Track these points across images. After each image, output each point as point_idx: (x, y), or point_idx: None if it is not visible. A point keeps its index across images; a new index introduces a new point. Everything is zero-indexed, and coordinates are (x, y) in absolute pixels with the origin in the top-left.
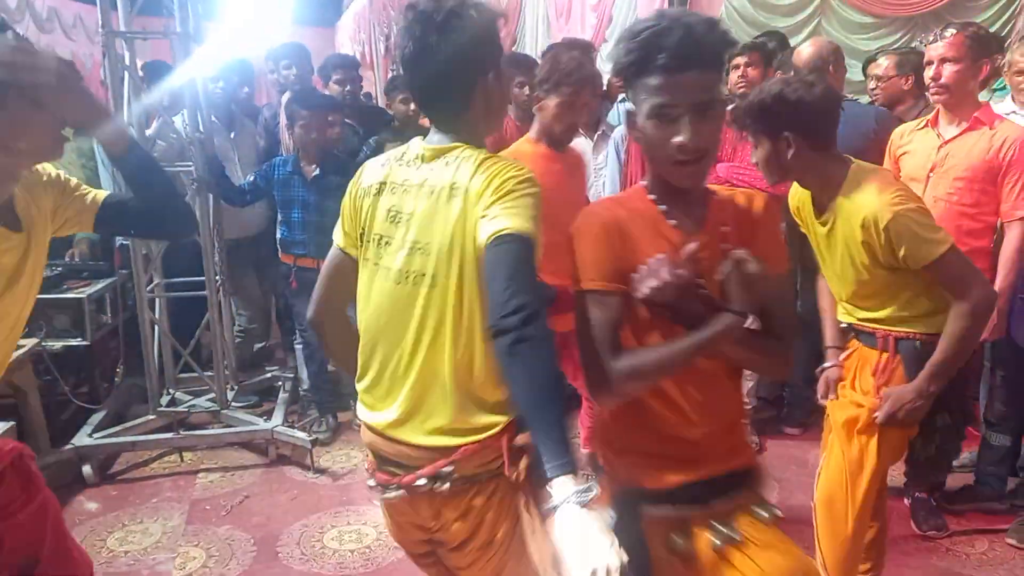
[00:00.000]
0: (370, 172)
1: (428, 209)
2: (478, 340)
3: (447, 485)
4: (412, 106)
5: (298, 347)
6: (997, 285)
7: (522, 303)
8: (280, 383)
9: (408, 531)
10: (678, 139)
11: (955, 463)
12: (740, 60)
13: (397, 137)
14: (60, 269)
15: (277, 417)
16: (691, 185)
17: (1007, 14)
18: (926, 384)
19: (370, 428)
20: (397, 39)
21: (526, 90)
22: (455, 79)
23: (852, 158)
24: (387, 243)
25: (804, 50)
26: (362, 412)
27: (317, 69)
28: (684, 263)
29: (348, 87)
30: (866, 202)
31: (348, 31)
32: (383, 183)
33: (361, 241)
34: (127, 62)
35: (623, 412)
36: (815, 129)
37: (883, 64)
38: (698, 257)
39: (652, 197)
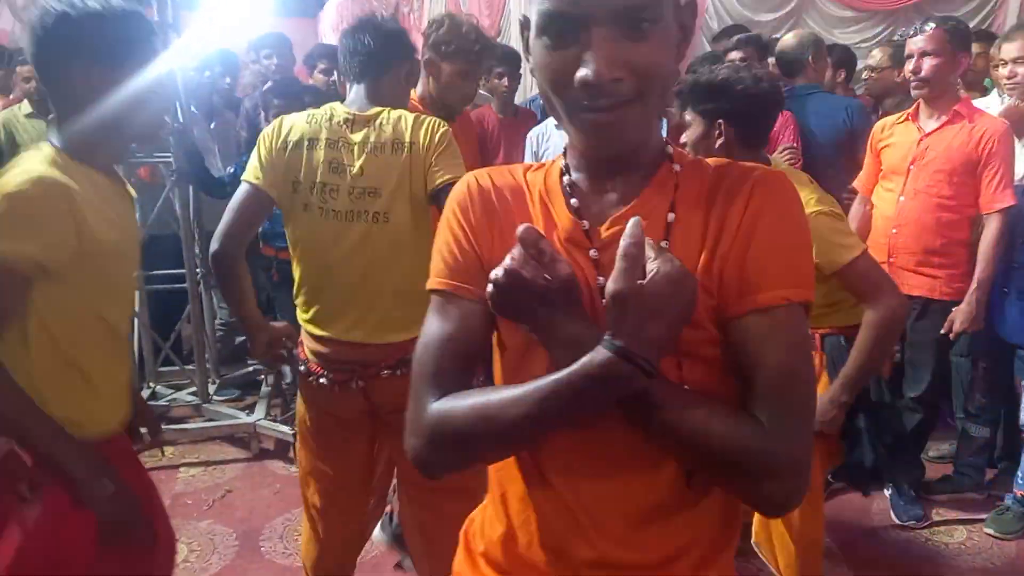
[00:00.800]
0: (295, 128)
1: (373, 159)
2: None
3: (405, 370)
4: (332, 77)
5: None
6: (976, 277)
7: None
8: (262, 376)
9: (348, 411)
10: (581, 72)
11: (934, 454)
12: (735, 55)
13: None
14: None
15: (259, 410)
16: (606, 150)
17: (988, 8)
18: (839, 395)
19: (321, 340)
20: (344, 39)
21: (505, 81)
22: (381, 58)
23: (775, 159)
24: (333, 190)
25: (787, 40)
26: (313, 331)
27: (303, 59)
28: (539, 260)
29: (333, 77)
30: None
31: (331, 21)
32: (315, 139)
33: (294, 188)
34: None
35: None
36: (749, 124)
37: (877, 56)
38: (590, 246)
39: (562, 164)
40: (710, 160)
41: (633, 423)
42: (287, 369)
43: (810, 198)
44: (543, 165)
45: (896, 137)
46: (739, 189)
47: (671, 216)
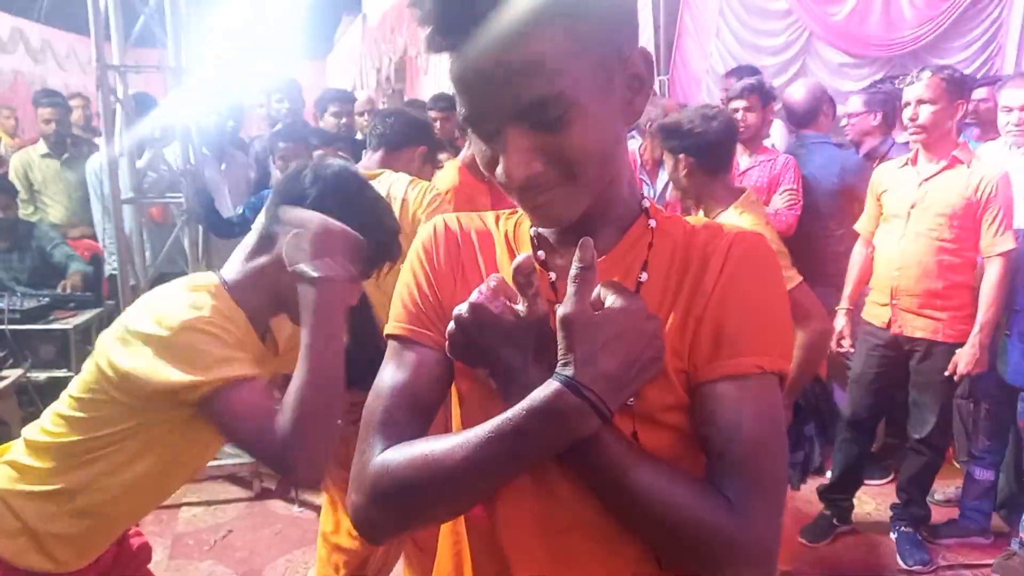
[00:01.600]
0: None
1: None
2: None
3: None
4: (343, 120)
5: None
6: (979, 320)
7: None
8: None
9: None
10: (498, 172)
11: (940, 497)
12: (739, 104)
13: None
14: (48, 299)
15: None
16: (552, 226)
17: (985, 54)
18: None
19: None
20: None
21: None
22: (397, 140)
23: (749, 191)
24: None
25: (797, 92)
26: None
27: (314, 102)
28: (523, 292)
29: (344, 120)
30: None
31: (339, 64)
32: None
33: None
34: (120, 95)
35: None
36: (704, 155)
37: (852, 102)
38: (555, 299)
39: None
40: (689, 218)
41: (586, 482)
42: None
43: (756, 226)
44: (515, 212)
45: (896, 182)
46: (715, 249)
47: (643, 275)
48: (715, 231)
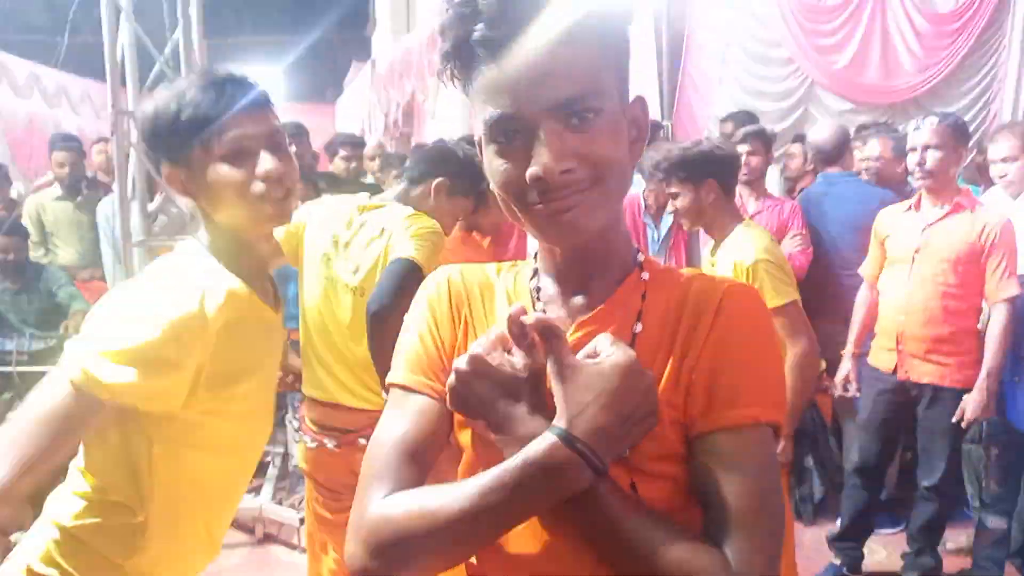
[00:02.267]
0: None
1: (359, 241)
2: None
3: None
4: (353, 164)
5: (288, 422)
6: (986, 366)
7: (376, 300)
8: (269, 458)
9: (337, 474)
10: (531, 168)
11: (952, 546)
12: (743, 148)
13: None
14: (55, 341)
15: (265, 493)
16: (566, 240)
17: (982, 102)
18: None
19: (318, 402)
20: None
21: None
22: (415, 173)
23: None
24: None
25: (822, 132)
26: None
27: (325, 145)
28: (518, 343)
29: (354, 164)
30: (741, 245)
31: (349, 108)
32: (333, 219)
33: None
34: (134, 140)
35: None
36: (732, 175)
37: (874, 145)
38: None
39: (533, 267)
40: (683, 270)
41: (583, 535)
42: (295, 449)
43: (767, 247)
44: (516, 265)
45: (900, 226)
46: (708, 300)
47: (638, 326)
48: (708, 283)
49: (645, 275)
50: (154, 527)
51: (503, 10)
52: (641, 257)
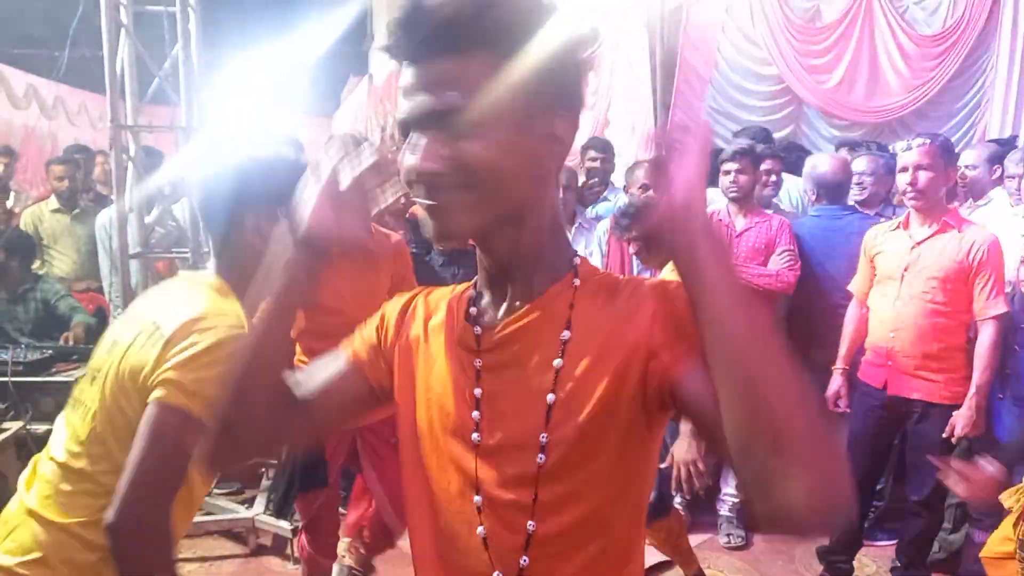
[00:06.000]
0: None
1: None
2: None
3: None
4: None
5: None
6: (975, 382)
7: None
8: (263, 469)
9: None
10: (401, 163)
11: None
12: (731, 166)
13: None
14: (51, 352)
15: (259, 504)
16: (441, 237)
17: (968, 123)
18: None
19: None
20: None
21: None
22: None
23: (773, 260)
24: None
25: (822, 164)
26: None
27: None
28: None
29: None
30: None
31: (345, 122)
32: None
33: None
34: (131, 153)
35: None
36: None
37: (861, 163)
38: (476, 351)
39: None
40: (617, 275)
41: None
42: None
43: None
44: (473, 283)
45: (888, 245)
46: (640, 296)
47: (565, 333)
48: (639, 283)
49: (576, 281)
50: None
51: (408, 22)
52: (577, 260)
